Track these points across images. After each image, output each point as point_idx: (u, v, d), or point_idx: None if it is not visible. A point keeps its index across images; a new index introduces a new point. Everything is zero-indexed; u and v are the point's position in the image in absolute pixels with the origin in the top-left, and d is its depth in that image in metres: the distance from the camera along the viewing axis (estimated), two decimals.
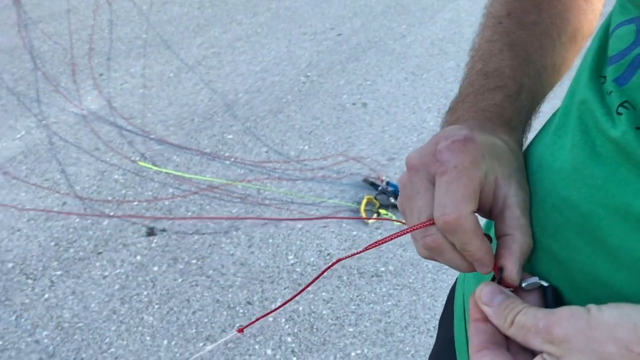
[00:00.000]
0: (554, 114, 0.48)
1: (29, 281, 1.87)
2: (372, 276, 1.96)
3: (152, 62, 3.11)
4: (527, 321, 0.37)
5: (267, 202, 2.21)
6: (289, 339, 1.75)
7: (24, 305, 1.80)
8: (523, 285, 0.43)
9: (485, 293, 0.41)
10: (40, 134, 2.52)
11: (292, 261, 1.99)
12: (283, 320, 1.81)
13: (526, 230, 0.44)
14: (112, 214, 2.15)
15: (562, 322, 0.35)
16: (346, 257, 0.46)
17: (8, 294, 1.83)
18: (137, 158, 2.42)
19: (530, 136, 0.52)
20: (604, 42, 0.44)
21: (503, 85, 0.51)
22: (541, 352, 0.36)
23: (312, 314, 1.83)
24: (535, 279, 0.43)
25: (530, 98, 0.52)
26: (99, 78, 2.94)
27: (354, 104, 2.84)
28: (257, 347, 1.73)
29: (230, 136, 2.58)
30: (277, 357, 1.70)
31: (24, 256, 1.96)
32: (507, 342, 0.41)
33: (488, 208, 0.45)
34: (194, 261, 1.98)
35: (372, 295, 1.90)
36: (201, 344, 1.73)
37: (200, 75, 3.01)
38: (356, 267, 1.98)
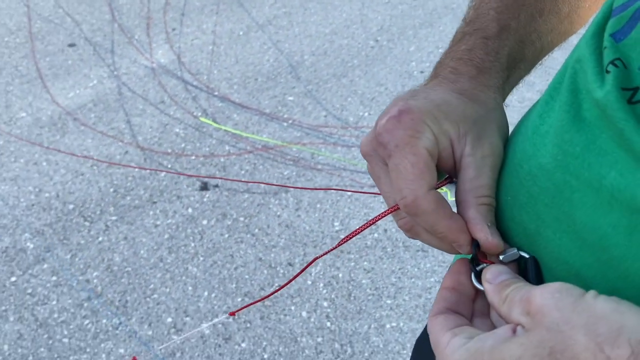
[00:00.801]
0: None
1: (86, 223, 1.97)
2: (418, 250, 1.92)
3: (223, 19, 3.13)
4: (517, 295, 0.34)
5: (319, 166, 2.20)
6: (325, 304, 1.75)
7: (79, 245, 1.90)
8: (501, 257, 0.39)
9: (491, 272, 0.38)
10: (111, 84, 2.62)
11: (337, 228, 1.97)
12: (321, 284, 1.81)
13: (481, 191, 0.40)
14: (168, 166, 2.21)
15: (544, 295, 0.31)
16: (323, 255, 0.46)
17: (66, 233, 1.93)
18: (199, 114, 2.47)
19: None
20: None
21: (483, 28, 0.47)
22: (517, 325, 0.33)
23: (351, 282, 1.81)
24: (514, 250, 0.39)
25: (516, 40, 0.47)
26: (172, 33, 3.00)
27: (422, 72, 2.74)
28: (292, 307, 1.75)
29: (291, 98, 2.57)
30: (312, 320, 1.71)
31: (84, 199, 2.06)
32: (471, 316, 0.38)
33: (452, 170, 0.41)
34: (241, 219, 2.01)
35: (416, 269, 1.86)
36: (239, 299, 1.76)
37: (269, 35, 3.00)
38: (402, 240, 1.94)
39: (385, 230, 1.97)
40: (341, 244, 0.43)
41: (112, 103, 2.52)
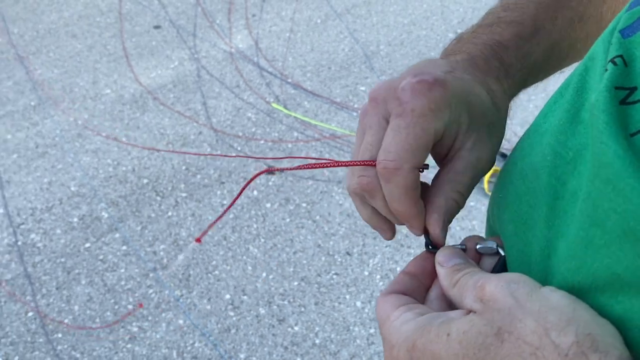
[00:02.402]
0: None
1: (158, 198, 2.07)
2: None
3: (302, 6, 3.16)
4: (469, 280, 0.33)
5: None
6: None
7: (150, 218, 1.99)
8: (477, 247, 0.39)
9: (443, 254, 0.37)
10: (191, 66, 2.71)
11: None
12: (378, 276, 1.80)
13: (459, 187, 0.39)
14: (238, 149, 2.27)
15: (500, 283, 0.31)
16: (279, 169, 0.44)
17: (139, 206, 2.03)
18: (272, 100, 2.51)
19: None
20: None
21: (519, 22, 0.44)
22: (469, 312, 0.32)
23: None
24: (492, 244, 0.39)
25: (547, 46, 0.45)
26: (252, 18, 3.06)
27: None
28: (347, 296, 1.75)
29: (362, 88, 2.56)
30: (366, 310, 1.71)
31: (158, 175, 2.16)
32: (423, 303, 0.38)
33: (442, 156, 0.40)
34: (304, 204, 2.03)
35: None
36: (296, 283, 1.79)
37: (347, 24, 3.00)
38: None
39: (450, 228, 1.93)
40: (301, 168, 0.41)
41: (190, 85, 2.61)
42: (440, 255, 0.37)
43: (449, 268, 0.36)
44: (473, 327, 0.30)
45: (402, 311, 0.34)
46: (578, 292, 0.30)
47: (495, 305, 0.30)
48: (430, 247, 0.40)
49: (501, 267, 0.38)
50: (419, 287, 0.38)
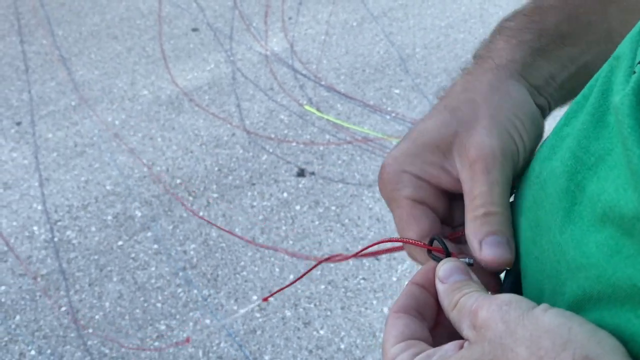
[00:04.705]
0: None
1: (190, 198, 2.10)
2: None
3: (339, 9, 3.16)
4: (467, 303, 0.32)
5: None
6: None
7: (182, 218, 2.02)
8: (483, 264, 0.37)
9: (444, 269, 0.35)
10: (226, 68, 2.74)
11: None
12: (406, 282, 1.78)
13: (475, 202, 0.37)
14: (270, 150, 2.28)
15: (492, 307, 0.29)
16: (335, 260, 0.46)
17: (171, 205, 2.07)
18: (305, 102, 2.51)
19: None
20: None
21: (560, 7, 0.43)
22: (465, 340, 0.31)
23: None
24: None
25: (564, 16, 0.43)
26: (288, 21, 3.07)
27: None
28: (374, 302, 1.74)
29: (397, 91, 2.53)
30: None
31: (190, 175, 2.19)
32: (435, 326, 0.36)
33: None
34: (333, 207, 2.03)
35: None
36: (322, 286, 1.79)
37: (382, 27, 2.98)
38: None
39: None
40: (358, 255, 0.43)
41: (225, 87, 2.64)
42: (441, 270, 0.35)
43: (448, 286, 0.34)
44: None
45: (399, 350, 0.33)
46: (596, 302, 0.29)
47: (487, 333, 0.29)
48: (433, 255, 0.38)
49: (512, 281, 0.36)
50: (429, 302, 0.37)
